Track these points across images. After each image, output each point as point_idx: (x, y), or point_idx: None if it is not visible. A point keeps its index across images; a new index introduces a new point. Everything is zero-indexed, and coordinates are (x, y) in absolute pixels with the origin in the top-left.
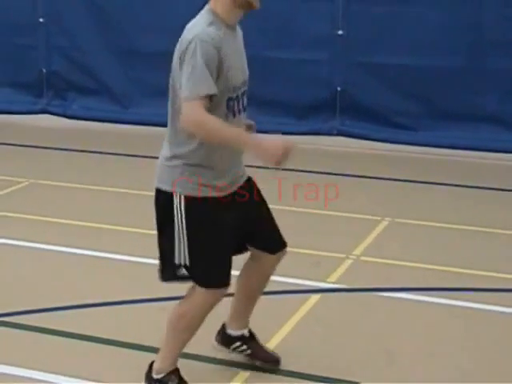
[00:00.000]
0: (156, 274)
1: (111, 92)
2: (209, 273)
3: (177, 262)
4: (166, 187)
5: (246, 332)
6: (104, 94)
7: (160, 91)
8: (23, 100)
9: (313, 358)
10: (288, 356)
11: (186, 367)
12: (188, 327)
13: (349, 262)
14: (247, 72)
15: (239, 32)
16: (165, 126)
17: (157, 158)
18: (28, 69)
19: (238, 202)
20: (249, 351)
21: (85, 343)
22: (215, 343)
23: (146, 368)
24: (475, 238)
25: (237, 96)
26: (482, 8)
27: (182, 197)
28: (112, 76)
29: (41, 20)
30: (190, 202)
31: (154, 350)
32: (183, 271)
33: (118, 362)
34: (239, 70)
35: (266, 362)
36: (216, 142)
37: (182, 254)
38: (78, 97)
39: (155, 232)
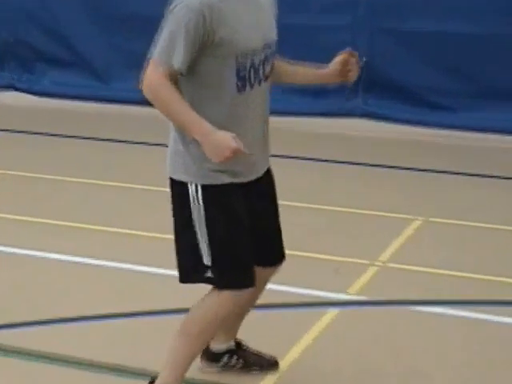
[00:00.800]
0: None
1: (89, 64)
2: (235, 269)
3: (204, 263)
4: (178, 176)
5: (231, 344)
6: (80, 67)
7: (142, 64)
8: None
9: (330, 381)
10: (301, 378)
11: None
12: (206, 332)
13: (374, 269)
14: (273, 33)
15: None
16: (148, 104)
17: (147, 143)
18: None
19: (252, 197)
20: (241, 362)
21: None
22: (202, 364)
23: None
24: None
25: (252, 64)
26: None
27: (199, 185)
28: (90, 45)
29: None
30: (207, 189)
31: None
32: (209, 274)
33: None
34: (253, 31)
35: (262, 367)
36: (168, 118)
37: (205, 254)
38: (49, 70)
39: (145, 233)
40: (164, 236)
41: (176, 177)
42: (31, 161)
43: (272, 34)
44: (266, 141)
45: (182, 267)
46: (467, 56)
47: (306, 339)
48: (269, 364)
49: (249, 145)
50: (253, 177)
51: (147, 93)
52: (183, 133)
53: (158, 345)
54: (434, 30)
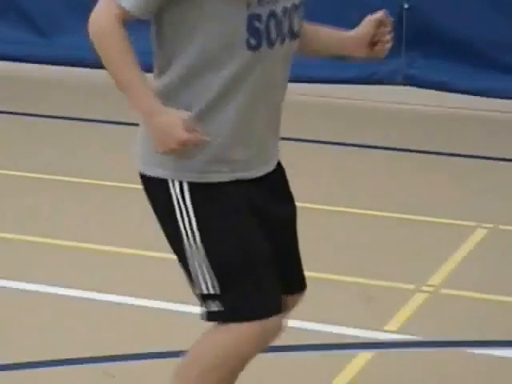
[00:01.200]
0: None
1: (26, 16)
2: (249, 295)
3: (203, 291)
4: (151, 172)
5: None
6: (15, 17)
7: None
8: None
9: None
10: None
11: None
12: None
13: (421, 296)
14: None
15: None
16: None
17: (104, 121)
18: None
19: (261, 198)
20: None
21: None
22: None
23: None
24: None
25: (272, 12)
26: None
27: (185, 184)
28: None
29: None
30: (195, 188)
31: None
32: (214, 306)
33: None
34: None
35: None
36: (108, 64)
37: (205, 279)
38: None
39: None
40: None
41: (150, 172)
42: None
43: None
44: (279, 123)
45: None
46: None
47: None
48: None
49: (258, 130)
50: (259, 170)
51: (93, 42)
52: (166, 91)
53: None
54: None
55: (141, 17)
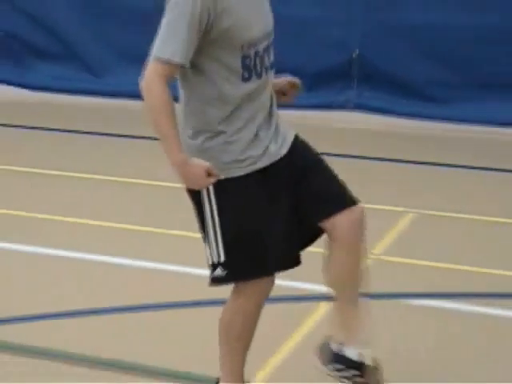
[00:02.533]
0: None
1: (81, 57)
2: (248, 262)
3: (213, 260)
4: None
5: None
6: (72, 60)
7: (141, 56)
8: None
9: (325, 375)
10: (294, 372)
11: None
12: (242, 333)
13: (368, 261)
14: (270, 22)
15: None
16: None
17: (139, 137)
18: None
19: (280, 170)
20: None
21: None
22: (319, 365)
23: None
24: None
25: (257, 52)
26: None
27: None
28: (82, 38)
29: None
30: (220, 184)
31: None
32: (220, 272)
33: None
34: (256, 20)
35: None
36: (152, 121)
37: (216, 252)
38: (40, 63)
39: (134, 227)
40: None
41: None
42: (24, 155)
43: (271, 22)
44: (277, 124)
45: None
46: (461, 47)
47: (298, 333)
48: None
49: (258, 129)
50: (268, 161)
51: (143, 92)
52: (197, 132)
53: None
54: (427, 21)
55: (186, 64)
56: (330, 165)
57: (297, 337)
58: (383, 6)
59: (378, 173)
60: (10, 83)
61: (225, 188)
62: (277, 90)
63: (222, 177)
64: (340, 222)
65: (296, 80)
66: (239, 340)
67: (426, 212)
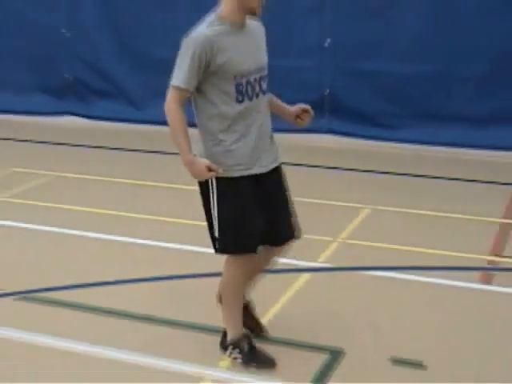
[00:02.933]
0: (166, 254)
1: (126, 96)
2: (237, 241)
3: (214, 235)
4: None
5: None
6: (120, 98)
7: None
8: (50, 103)
9: (304, 328)
10: (282, 326)
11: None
12: (235, 293)
13: (335, 244)
14: (262, 60)
15: (252, 29)
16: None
17: (166, 153)
18: (54, 76)
19: (260, 185)
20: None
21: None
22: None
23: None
24: (444, 223)
25: (248, 82)
26: (451, 22)
27: (214, 180)
28: (127, 82)
29: (65, 33)
30: (220, 180)
31: (164, 322)
32: (218, 245)
33: (131, 331)
34: (246, 59)
35: (253, 330)
36: (170, 134)
37: (215, 228)
38: (98, 100)
39: (167, 218)
40: None
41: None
42: (85, 166)
43: (264, 59)
44: (269, 141)
45: (213, 244)
46: (403, 88)
47: (287, 295)
48: (258, 329)
49: (256, 144)
50: (258, 170)
51: (165, 112)
52: (205, 140)
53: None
54: (379, 69)
55: (191, 90)
56: (289, 192)
57: (284, 298)
58: (348, 57)
59: (344, 179)
60: (77, 115)
61: (224, 184)
62: (294, 116)
63: (223, 174)
64: (273, 254)
65: (308, 107)
66: (234, 299)
67: (378, 207)
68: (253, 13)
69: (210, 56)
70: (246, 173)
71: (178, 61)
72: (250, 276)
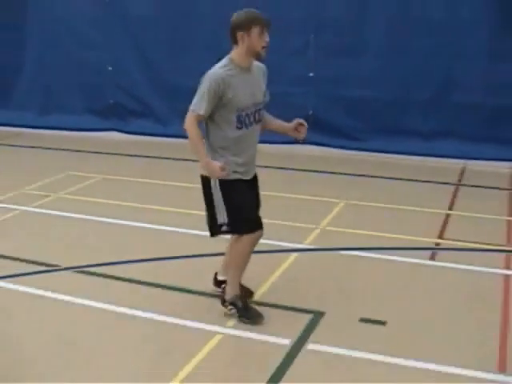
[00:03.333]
0: (188, 239)
1: (155, 115)
2: (246, 223)
3: (219, 222)
4: (205, 173)
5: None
6: (151, 117)
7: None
8: (97, 121)
9: (293, 296)
10: (275, 294)
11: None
12: (242, 262)
13: (318, 230)
14: (259, 97)
15: (256, 71)
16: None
17: (186, 160)
18: (100, 100)
19: (250, 182)
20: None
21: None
22: (213, 286)
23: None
24: (401, 213)
25: (247, 114)
26: (407, 59)
27: (217, 180)
28: (156, 105)
29: (109, 68)
30: (223, 182)
31: (185, 290)
32: (225, 228)
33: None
34: (247, 96)
35: (243, 294)
36: (190, 147)
37: (222, 217)
38: (134, 119)
39: (193, 211)
40: None
41: (203, 173)
42: (124, 170)
43: (260, 97)
44: (254, 158)
45: (211, 229)
46: (370, 109)
47: (279, 271)
48: (247, 293)
49: (247, 159)
50: (247, 177)
51: (185, 130)
52: (211, 149)
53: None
54: (352, 95)
55: (206, 115)
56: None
57: (277, 273)
58: (327, 86)
59: (323, 179)
60: (117, 130)
61: (227, 183)
62: (293, 129)
63: (225, 177)
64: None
65: (303, 121)
66: (240, 266)
67: (350, 202)
68: (258, 56)
69: (222, 91)
70: (241, 177)
71: (198, 91)
72: (252, 250)
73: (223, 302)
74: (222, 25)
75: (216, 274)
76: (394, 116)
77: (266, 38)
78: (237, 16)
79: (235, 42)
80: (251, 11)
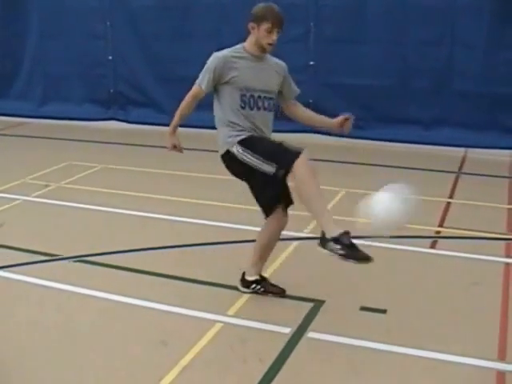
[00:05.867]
0: (191, 227)
1: (157, 105)
2: (289, 152)
3: (268, 171)
4: (224, 149)
5: (258, 276)
6: (151, 107)
7: None
8: (98, 111)
9: (294, 285)
10: (275, 283)
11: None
12: (268, 245)
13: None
14: (269, 85)
15: (273, 65)
16: (191, 127)
17: (188, 149)
18: (101, 90)
19: None
20: (262, 289)
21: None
22: (240, 288)
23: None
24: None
25: (251, 95)
26: (407, 47)
27: (236, 145)
28: (157, 94)
29: (110, 58)
30: (241, 141)
31: (186, 279)
32: (279, 171)
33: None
34: (253, 79)
35: (275, 293)
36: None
37: (267, 166)
38: (135, 108)
39: (196, 200)
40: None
41: (222, 151)
42: (124, 160)
43: (272, 87)
44: (270, 127)
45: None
46: (370, 97)
47: (281, 258)
48: (279, 292)
49: (260, 127)
50: None
51: (184, 99)
52: (221, 123)
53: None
54: (352, 83)
55: (207, 91)
56: None
57: (278, 262)
58: (327, 74)
59: (325, 168)
60: (118, 120)
61: (245, 141)
62: (337, 125)
63: (236, 139)
64: (285, 214)
65: (349, 115)
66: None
67: (351, 190)
68: (263, 49)
69: (222, 69)
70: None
71: (204, 68)
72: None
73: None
74: (223, 15)
75: (244, 273)
76: (395, 104)
77: (274, 37)
78: (256, 7)
79: (248, 30)
80: (269, 7)
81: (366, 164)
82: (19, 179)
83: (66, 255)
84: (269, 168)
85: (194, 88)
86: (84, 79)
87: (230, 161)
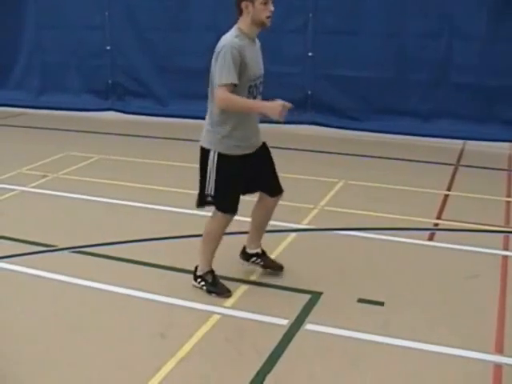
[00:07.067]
0: (188, 218)
1: (155, 96)
2: (225, 202)
3: (206, 192)
4: (206, 146)
5: (259, 250)
6: (150, 97)
7: (186, 95)
8: (96, 101)
9: (291, 276)
10: (273, 275)
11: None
12: (213, 240)
13: (316, 210)
14: (262, 69)
15: (257, 43)
16: (190, 118)
17: (184, 139)
18: (99, 80)
19: (251, 158)
20: (262, 263)
21: (140, 267)
22: (240, 260)
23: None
24: (403, 193)
25: (255, 84)
26: (405, 39)
27: (216, 152)
28: (155, 85)
29: (108, 48)
30: (221, 156)
31: (183, 271)
32: (209, 199)
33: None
34: (256, 66)
35: (274, 269)
36: (239, 109)
37: (209, 188)
38: (133, 99)
39: (193, 191)
40: None
41: (204, 146)
42: (122, 150)
43: (262, 69)
44: (258, 131)
45: (198, 199)
46: (368, 89)
47: (279, 249)
48: (278, 267)
49: (249, 133)
50: (250, 151)
51: (223, 106)
52: (211, 121)
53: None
54: (350, 74)
55: (234, 82)
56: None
57: (276, 252)
58: (325, 66)
59: (322, 159)
60: (116, 110)
61: (224, 158)
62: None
63: (223, 151)
64: (270, 201)
65: (286, 103)
66: (212, 242)
67: (349, 182)
68: (263, 25)
69: (240, 60)
70: (242, 152)
71: (221, 64)
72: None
73: (195, 276)
74: (221, 5)
75: (244, 247)
76: (394, 96)
77: (271, 8)
78: None
79: (240, 12)
80: None
81: (365, 156)
82: (17, 169)
83: (63, 246)
84: (208, 190)
85: (222, 90)
86: (82, 69)
87: (203, 155)
